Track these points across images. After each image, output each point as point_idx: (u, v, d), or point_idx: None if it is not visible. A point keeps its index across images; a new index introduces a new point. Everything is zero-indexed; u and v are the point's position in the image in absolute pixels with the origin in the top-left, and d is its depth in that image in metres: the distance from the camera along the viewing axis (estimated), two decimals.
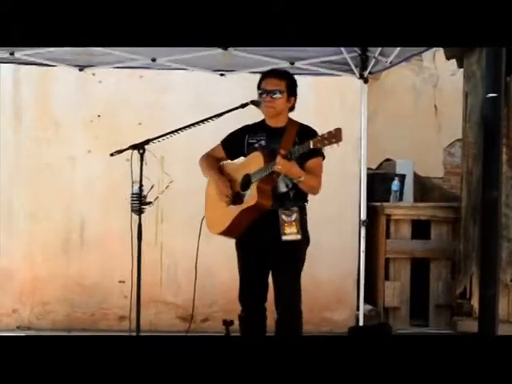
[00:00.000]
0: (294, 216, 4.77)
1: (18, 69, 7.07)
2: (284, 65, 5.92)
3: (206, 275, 5.43)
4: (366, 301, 6.59)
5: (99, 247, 7.29)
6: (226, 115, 4.98)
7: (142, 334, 4.88)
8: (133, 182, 4.93)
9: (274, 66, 5.56)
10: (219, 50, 5.83)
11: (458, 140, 8.22)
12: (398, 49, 5.44)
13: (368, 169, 6.51)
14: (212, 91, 7.03)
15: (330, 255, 7.11)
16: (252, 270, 4.93)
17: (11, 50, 5.76)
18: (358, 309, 6.54)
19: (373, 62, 5.92)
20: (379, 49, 5.68)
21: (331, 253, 7.13)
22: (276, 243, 4.75)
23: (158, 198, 5.21)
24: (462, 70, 7.55)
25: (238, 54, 5.90)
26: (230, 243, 5.04)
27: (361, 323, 6.32)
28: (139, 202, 4.93)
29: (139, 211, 4.94)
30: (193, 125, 5.01)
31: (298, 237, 4.77)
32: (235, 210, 4.82)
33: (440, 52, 7.93)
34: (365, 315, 6.44)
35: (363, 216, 6.19)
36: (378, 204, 7.54)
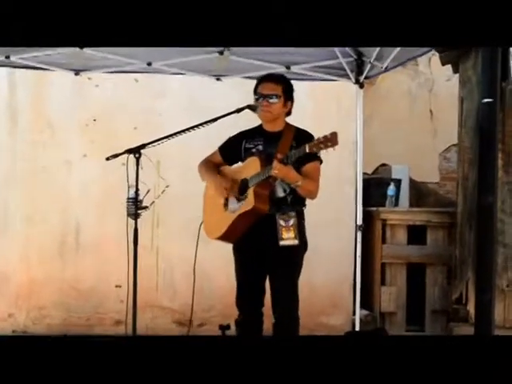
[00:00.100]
0: (292, 221, 4.76)
1: (13, 72, 7.08)
2: (280, 69, 5.92)
3: (203, 280, 5.43)
4: (362, 306, 6.59)
5: (95, 251, 7.29)
6: (223, 120, 4.97)
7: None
8: (129, 187, 4.92)
9: (270, 71, 5.56)
10: (215, 55, 5.84)
11: (454, 145, 8.22)
12: (394, 53, 5.45)
13: (364, 173, 6.52)
14: (208, 96, 7.04)
15: (325, 260, 7.12)
16: (249, 275, 4.92)
17: (7, 53, 5.76)
18: (354, 314, 6.54)
19: (368, 66, 5.94)
20: (375, 54, 5.68)
21: (327, 257, 7.13)
22: (273, 248, 4.74)
23: (153, 202, 5.20)
24: (457, 75, 7.55)
25: (233, 58, 5.91)
26: (228, 248, 5.03)
27: (357, 328, 6.32)
28: (135, 207, 4.92)
29: (135, 216, 4.94)
30: (189, 129, 5.00)
31: (296, 242, 4.76)
32: (232, 214, 4.82)
33: (435, 57, 7.93)
34: (361, 320, 6.44)
35: (359, 221, 6.19)
36: (374, 209, 7.54)
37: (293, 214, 4.77)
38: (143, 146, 4.88)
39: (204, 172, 5.10)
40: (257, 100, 4.89)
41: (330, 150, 4.43)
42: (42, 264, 7.29)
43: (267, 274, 4.88)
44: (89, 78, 6.95)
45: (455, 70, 7.56)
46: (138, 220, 4.93)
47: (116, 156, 4.89)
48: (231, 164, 5.07)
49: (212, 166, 5.09)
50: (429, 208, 8.01)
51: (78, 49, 5.61)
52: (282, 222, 4.75)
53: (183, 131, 5.00)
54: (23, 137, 7.33)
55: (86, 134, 7.34)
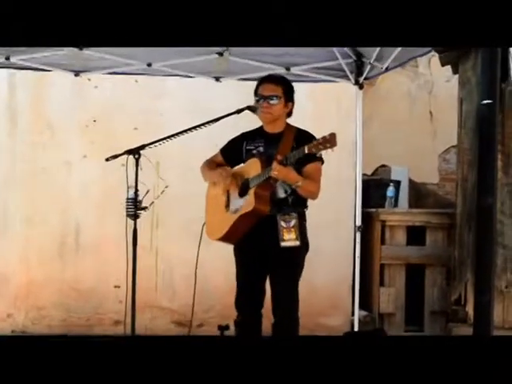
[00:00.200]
0: (293, 222, 4.76)
1: (13, 73, 7.08)
2: (279, 70, 5.93)
3: (202, 280, 5.42)
4: (361, 307, 6.60)
5: (95, 252, 7.29)
6: (222, 121, 4.98)
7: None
8: (128, 187, 4.93)
9: (270, 72, 5.57)
10: (215, 56, 5.84)
11: (453, 146, 8.22)
12: (394, 55, 5.46)
13: (363, 175, 6.52)
14: (207, 97, 7.04)
15: (325, 261, 7.12)
16: (250, 276, 4.92)
17: (7, 54, 5.77)
18: (353, 314, 6.54)
19: (368, 67, 5.94)
20: (374, 54, 5.69)
21: (326, 258, 7.13)
22: (274, 249, 4.74)
23: (153, 203, 5.20)
24: (457, 76, 7.55)
25: (233, 59, 5.91)
26: (227, 249, 5.04)
27: (356, 329, 6.32)
28: (134, 207, 4.93)
29: (134, 216, 4.94)
30: (188, 130, 5.01)
31: (297, 243, 4.76)
32: (233, 215, 4.83)
33: (435, 58, 7.94)
34: (360, 321, 6.45)
35: (358, 222, 6.20)
36: (373, 210, 7.54)
37: (294, 214, 4.77)
38: (143, 147, 4.89)
39: (206, 171, 5.12)
40: (257, 101, 4.89)
41: (330, 150, 4.45)
42: (42, 264, 7.30)
43: (268, 275, 4.89)
44: (88, 79, 6.95)
45: (455, 71, 7.57)
46: (138, 220, 4.94)
47: (116, 157, 4.89)
48: (233, 165, 5.07)
49: (214, 166, 5.10)
50: (428, 209, 8.01)
51: (77, 50, 5.61)
52: (283, 223, 4.75)
53: (183, 132, 5.00)
54: (23, 138, 7.33)
55: (85, 134, 7.35)
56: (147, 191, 5.04)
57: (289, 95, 4.91)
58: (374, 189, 7.82)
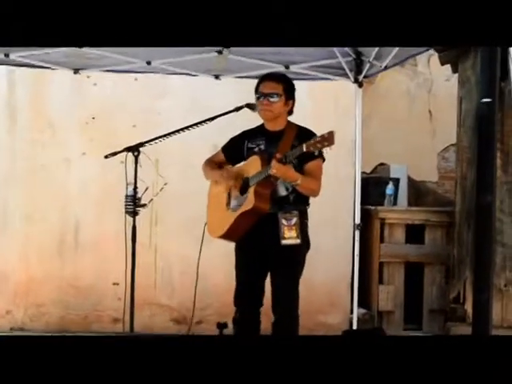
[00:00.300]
0: (294, 220, 4.76)
1: (12, 70, 7.06)
2: (279, 69, 5.93)
3: (201, 278, 5.43)
4: (360, 304, 6.60)
5: (94, 249, 7.29)
6: (222, 118, 4.99)
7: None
8: (127, 184, 4.94)
9: (269, 70, 5.57)
10: (214, 54, 5.84)
11: (453, 145, 8.22)
12: (393, 53, 5.46)
13: (362, 173, 6.52)
14: (207, 94, 7.03)
15: (324, 259, 7.11)
16: (250, 274, 4.92)
17: (6, 51, 5.76)
18: (351, 312, 6.54)
19: (367, 66, 5.94)
20: (374, 53, 5.69)
21: (325, 256, 7.12)
22: (275, 247, 4.74)
23: (152, 200, 5.22)
24: (456, 75, 7.55)
25: (232, 57, 5.91)
26: (226, 247, 5.04)
27: (354, 327, 6.32)
28: (134, 205, 4.94)
29: (134, 213, 4.95)
30: (187, 128, 5.02)
31: (298, 241, 4.76)
32: (234, 213, 4.83)
33: (434, 57, 7.94)
34: (359, 319, 6.44)
35: (357, 220, 6.20)
36: (372, 208, 7.55)
37: (295, 213, 4.77)
38: (142, 144, 4.90)
39: (208, 170, 5.12)
40: (258, 99, 4.89)
41: (329, 148, 4.45)
42: (41, 261, 7.30)
43: (268, 273, 4.89)
44: (88, 77, 6.94)
45: (454, 70, 7.57)
46: (137, 218, 4.95)
47: (115, 154, 4.90)
48: (234, 164, 5.07)
49: (215, 165, 5.10)
50: (427, 207, 8.01)
51: (77, 47, 5.61)
52: (284, 221, 4.75)
53: (182, 129, 5.02)
54: (22, 135, 7.32)
55: (85, 132, 7.34)
56: (146, 188, 5.05)
57: (289, 93, 4.91)
58: (373, 187, 7.82)
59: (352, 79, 6.12)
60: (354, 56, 5.98)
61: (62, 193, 7.34)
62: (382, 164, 8.52)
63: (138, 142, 4.90)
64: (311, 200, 4.90)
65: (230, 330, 5.12)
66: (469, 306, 6.89)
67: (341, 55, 5.91)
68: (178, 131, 5.01)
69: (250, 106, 4.96)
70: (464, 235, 7.12)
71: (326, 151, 4.49)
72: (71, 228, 7.35)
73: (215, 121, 5.01)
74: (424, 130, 8.80)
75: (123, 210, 4.99)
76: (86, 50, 5.71)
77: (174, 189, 6.74)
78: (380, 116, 8.54)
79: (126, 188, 4.95)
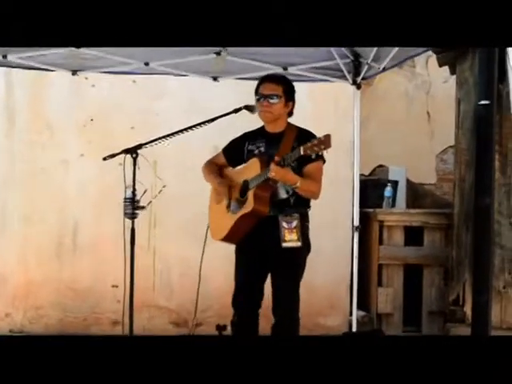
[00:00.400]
0: (295, 223, 4.74)
1: (10, 72, 7.07)
2: (277, 70, 5.93)
3: (201, 280, 5.42)
4: (359, 307, 6.59)
5: (92, 251, 7.28)
6: (221, 120, 4.98)
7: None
8: (126, 187, 4.92)
9: (267, 72, 5.56)
10: (212, 55, 5.83)
11: (451, 147, 8.22)
12: (391, 55, 5.46)
13: (361, 175, 6.53)
14: (205, 96, 7.03)
15: (323, 261, 7.10)
16: (250, 276, 4.91)
17: (4, 52, 5.75)
18: (351, 315, 6.54)
19: (365, 67, 5.94)
20: (372, 54, 5.69)
21: (324, 258, 7.11)
22: (276, 250, 4.73)
23: (150, 202, 5.20)
24: (454, 76, 7.55)
25: (230, 59, 5.90)
26: (226, 249, 5.03)
27: (354, 329, 6.32)
28: (132, 207, 4.92)
29: (132, 216, 4.94)
30: (186, 129, 5.01)
31: (299, 244, 4.75)
32: (234, 216, 4.83)
33: (433, 59, 7.94)
34: (358, 321, 6.44)
35: (356, 222, 6.20)
36: (371, 210, 7.55)
37: (296, 215, 4.76)
38: (140, 146, 4.88)
39: (207, 173, 5.12)
40: (258, 100, 4.88)
41: (328, 150, 4.45)
42: (40, 264, 7.29)
43: (268, 276, 4.88)
44: (86, 78, 6.94)
45: (452, 72, 7.57)
46: (135, 220, 4.93)
47: (113, 156, 4.89)
48: (235, 166, 5.07)
49: (215, 168, 5.11)
50: (426, 209, 8.01)
51: (75, 49, 5.60)
52: (284, 224, 4.74)
53: (180, 131, 5.01)
54: (21, 137, 7.32)
55: (83, 133, 7.34)
56: (145, 191, 5.04)
57: (289, 95, 4.90)
58: (372, 189, 7.83)
59: (350, 81, 6.12)
60: (352, 58, 5.97)
61: (61, 195, 7.33)
62: (380, 166, 8.52)
63: (136, 143, 4.88)
64: (310, 202, 4.90)
65: (229, 332, 5.11)
66: (468, 308, 6.88)
67: (339, 57, 5.91)
68: (176, 133, 5.00)
69: (248, 107, 4.95)
70: (463, 237, 7.12)
71: (326, 151, 4.48)
72: (70, 230, 7.35)
73: (215, 122, 5.00)
74: (422, 131, 8.81)
75: (122, 213, 4.98)
76: (83, 51, 5.70)
77: (172, 191, 6.71)
78: (378, 118, 8.54)
79: (125, 190, 4.94)
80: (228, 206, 4.93)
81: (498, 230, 6.76)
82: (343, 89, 6.45)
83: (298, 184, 4.63)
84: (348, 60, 6.00)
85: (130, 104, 7.30)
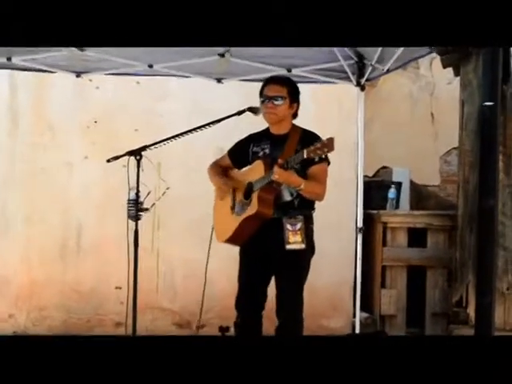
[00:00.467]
0: (299, 225, 4.75)
1: (14, 74, 7.07)
2: (281, 72, 5.93)
3: (203, 282, 5.43)
4: (363, 308, 6.59)
5: (96, 253, 7.29)
6: (224, 122, 4.98)
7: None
8: (129, 189, 4.93)
9: (271, 73, 5.57)
10: (216, 57, 5.84)
11: (455, 148, 8.21)
12: (395, 56, 5.46)
13: (364, 176, 6.52)
14: (209, 98, 7.04)
15: (326, 262, 7.08)
16: (253, 278, 4.92)
17: (8, 55, 5.76)
18: (354, 316, 6.54)
19: (369, 69, 5.94)
20: (376, 56, 5.69)
21: (328, 260, 7.10)
22: (280, 252, 4.73)
23: (154, 204, 5.21)
24: (458, 78, 7.54)
25: (234, 60, 5.91)
26: (229, 250, 5.04)
27: (357, 331, 6.31)
28: (136, 209, 4.93)
29: (136, 217, 4.94)
30: (190, 131, 5.02)
31: (303, 246, 4.75)
32: (238, 218, 4.83)
33: (437, 60, 7.93)
34: (361, 323, 6.44)
35: (360, 223, 6.20)
36: (375, 212, 7.54)
37: (300, 217, 4.77)
38: (144, 148, 4.89)
39: (212, 175, 5.13)
40: (262, 102, 4.88)
41: (332, 152, 4.45)
42: (43, 265, 7.30)
43: (271, 278, 4.88)
44: (90, 80, 6.94)
45: (456, 73, 7.55)
46: (139, 222, 4.94)
47: (117, 158, 4.89)
48: (240, 167, 5.07)
49: (220, 170, 5.11)
50: (429, 211, 8.00)
51: (78, 51, 5.60)
52: (289, 226, 4.74)
53: (184, 133, 5.01)
54: (24, 139, 7.33)
55: (87, 135, 7.34)
56: (148, 192, 5.05)
57: (294, 96, 4.90)
58: (376, 190, 7.82)
59: (354, 82, 6.12)
60: (356, 59, 5.97)
61: (64, 196, 7.34)
62: (384, 167, 8.52)
63: (141, 145, 4.89)
64: (314, 204, 4.90)
65: (232, 333, 5.12)
66: (471, 310, 6.87)
67: (343, 58, 5.90)
68: (180, 135, 5.01)
69: (252, 109, 4.95)
70: (466, 239, 7.11)
71: (329, 154, 4.49)
72: (73, 232, 7.35)
73: (217, 124, 5.00)
74: (426, 133, 8.80)
75: (125, 215, 4.98)
76: (87, 53, 5.71)
77: (176, 193, 6.71)
78: (382, 119, 8.54)
79: (129, 192, 4.94)
80: (232, 208, 4.93)
81: (501, 231, 6.75)
82: (347, 90, 6.45)
83: (302, 186, 4.63)
84: (352, 61, 6.00)
85: (133, 106, 7.31)
